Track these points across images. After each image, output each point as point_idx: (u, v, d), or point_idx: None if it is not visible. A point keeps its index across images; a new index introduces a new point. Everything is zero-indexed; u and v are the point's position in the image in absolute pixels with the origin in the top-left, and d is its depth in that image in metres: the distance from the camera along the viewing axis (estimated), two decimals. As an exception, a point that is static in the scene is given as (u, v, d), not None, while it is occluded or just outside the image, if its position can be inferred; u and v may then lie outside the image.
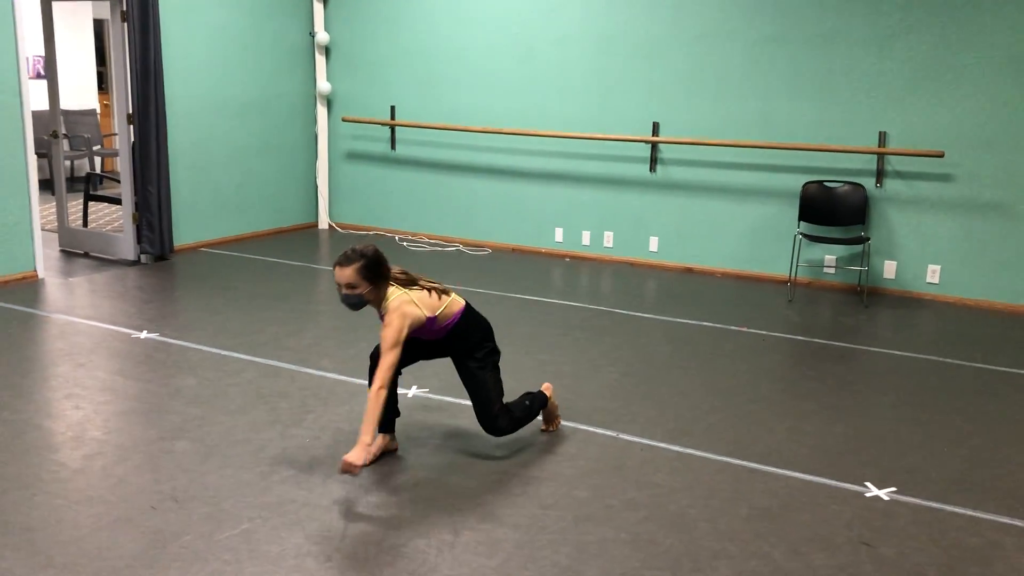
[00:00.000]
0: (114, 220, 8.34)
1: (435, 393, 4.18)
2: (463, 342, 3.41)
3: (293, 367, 4.48)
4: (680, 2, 6.76)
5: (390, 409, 3.42)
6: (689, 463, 3.51)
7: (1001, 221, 6.07)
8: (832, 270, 6.66)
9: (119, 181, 6.95)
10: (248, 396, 4.06)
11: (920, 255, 6.35)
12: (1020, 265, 6.06)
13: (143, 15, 6.49)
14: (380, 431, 3.44)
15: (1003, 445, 3.79)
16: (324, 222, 8.58)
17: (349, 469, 2.95)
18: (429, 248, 7.74)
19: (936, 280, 6.32)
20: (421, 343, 3.40)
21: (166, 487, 3.16)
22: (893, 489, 3.32)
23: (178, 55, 6.94)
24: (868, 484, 3.36)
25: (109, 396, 4.01)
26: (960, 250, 6.22)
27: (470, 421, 3.82)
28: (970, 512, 3.16)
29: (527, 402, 3.57)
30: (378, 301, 3.23)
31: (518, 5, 7.36)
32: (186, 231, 7.25)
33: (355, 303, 3.21)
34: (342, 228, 8.52)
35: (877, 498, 3.25)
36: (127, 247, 6.87)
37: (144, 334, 4.94)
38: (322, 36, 8.13)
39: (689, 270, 7.10)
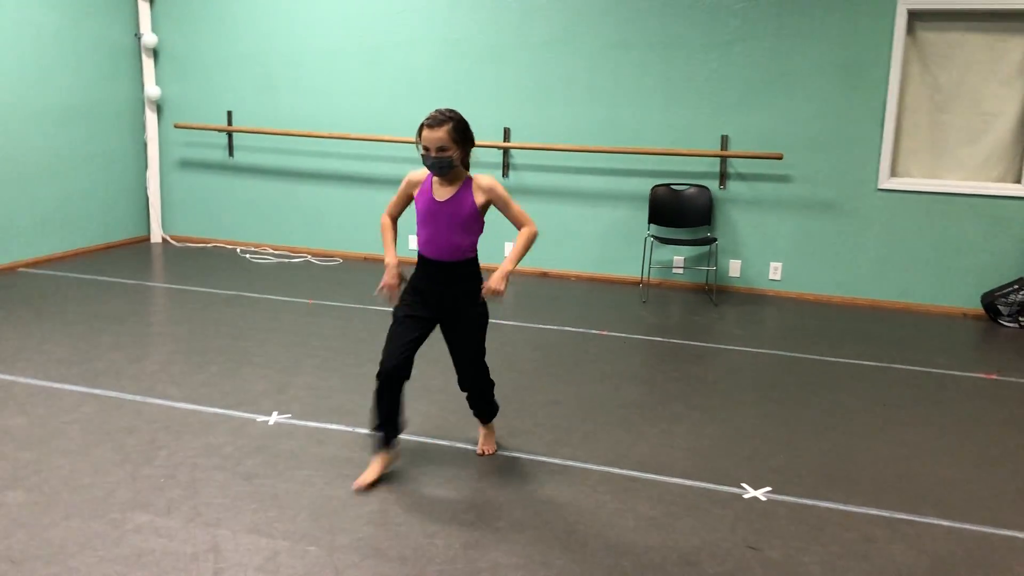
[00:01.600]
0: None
1: (298, 419, 3.94)
2: (469, 282, 3.30)
3: (137, 398, 4.11)
4: (526, 8, 6.75)
5: (397, 422, 3.32)
6: (571, 476, 3.46)
7: (835, 219, 6.41)
8: (681, 270, 6.84)
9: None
10: (89, 434, 3.68)
11: (762, 253, 6.62)
12: (853, 260, 6.42)
13: (-59, 12, 5.84)
14: (383, 447, 3.34)
15: (859, 437, 3.96)
16: (157, 235, 8.04)
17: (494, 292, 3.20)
18: (275, 260, 7.39)
19: (778, 277, 6.61)
20: (422, 313, 3.29)
21: (0, 547, 2.79)
22: (768, 489, 3.39)
23: (-16, 57, 6.30)
24: (744, 485, 3.41)
25: (-78, 444, 3.54)
26: (799, 247, 6.52)
27: (339, 447, 3.63)
28: (842, 507, 3.26)
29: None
30: (460, 169, 3.19)
31: (360, 6, 7.14)
32: (1, 251, 6.59)
33: (445, 166, 3.13)
34: (177, 241, 8.01)
35: (755, 499, 3.30)
36: (-69, 270, 6.17)
37: (-41, 369, 4.42)
38: (149, 38, 7.60)
39: (545, 274, 7.11)
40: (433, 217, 3.21)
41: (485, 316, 3.38)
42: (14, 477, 3.27)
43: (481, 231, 3.28)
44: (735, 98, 6.44)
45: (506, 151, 7.02)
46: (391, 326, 3.28)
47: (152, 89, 7.71)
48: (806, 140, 6.35)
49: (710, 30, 6.40)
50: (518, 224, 3.28)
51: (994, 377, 4.87)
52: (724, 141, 6.50)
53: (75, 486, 3.22)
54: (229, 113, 7.65)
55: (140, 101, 7.79)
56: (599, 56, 6.67)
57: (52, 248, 7.08)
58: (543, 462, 3.57)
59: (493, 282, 3.18)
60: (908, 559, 2.90)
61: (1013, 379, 4.84)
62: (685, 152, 6.53)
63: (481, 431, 3.66)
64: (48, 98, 6.89)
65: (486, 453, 3.61)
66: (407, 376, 3.23)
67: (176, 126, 7.74)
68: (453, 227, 3.20)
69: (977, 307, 6.20)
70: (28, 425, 3.75)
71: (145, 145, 7.88)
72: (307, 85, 7.39)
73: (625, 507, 3.21)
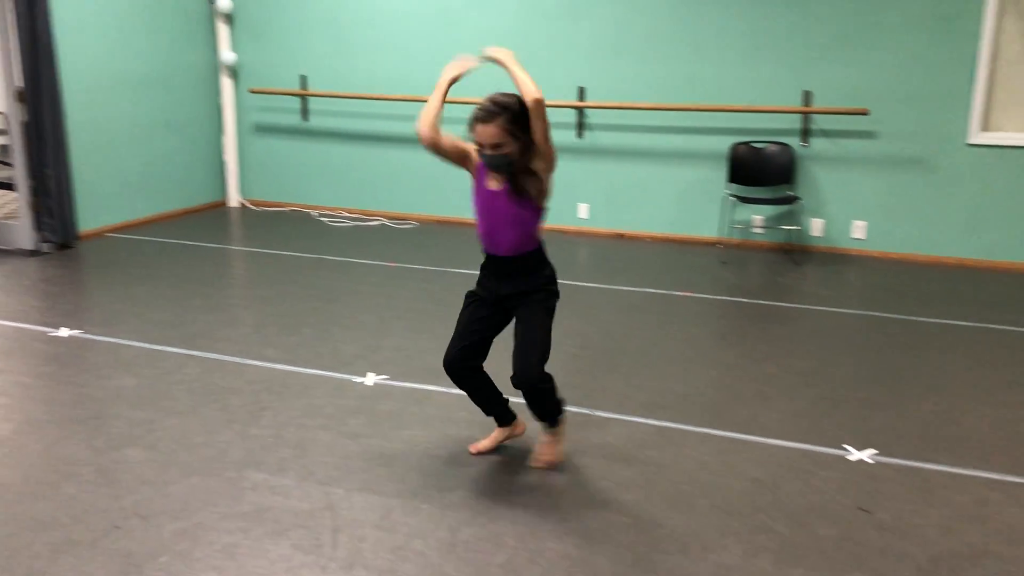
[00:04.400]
0: (5, 206, 7.71)
1: (394, 380, 3.99)
2: (533, 274, 3.00)
3: (236, 359, 4.21)
4: (602, -37, 6.64)
5: (498, 399, 3.20)
6: (671, 437, 3.46)
7: (923, 175, 6.24)
8: (761, 230, 6.73)
9: (10, 164, 6.40)
10: (196, 394, 3.79)
11: (846, 212, 6.48)
12: (941, 218, 6.25)
13: (29, -17, 5.94)
14: (501, 424, 3.27)
15: (962, 398, 3.88)
16: (234, 200, 8.16)
17: None
18: (351, 223, 7.46)
19: (862, 235, 6.47)
20: (488, 311, 3.04)
21: (127, 503, 2.89)
22: (874, 451, 3.35)
23: (70, 26, 6.39)
24: (848, 447, 3.38)
25: (41, 405, 3.67)
26: (885, 205, 6.37)
27: (438, 407, 3.68)
28: (951, 469, 3.21)
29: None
30: (524, 160, 2.85)
31: (434, -33, 7.09)
32: (90, 216, 6.75)
33: (503, 164, 2.83)
34: (254, 205, 8.12)
35: (861, 461, 3.27)
36: (24, 235, 6.34)
37: (64, 331, 4.56)
38: (223, 3, 7.65)
39: (620, 236, 7.07)
40: (487, 210, 2.94)
41: (553, 297, 3.06)
42: (130, 436, 3.38)
43: (538, 221, 2.98)
44: (818, 52, 6.27)
45: (581, 111, 6.95)
46: (461, 312, 3.10)
47: (227, 55, 7.78)
48: (893, 94, 6.16)
49: (793, -18, 6.23)
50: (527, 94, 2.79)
51: (1097, 337, 4.73)
52: (806, 97, 6.35)
53: (188, 445, 3.31)
54: (303, 77, 7.69)
55: (215, 67, 7.88)
56: (676, 12, 6.53)
57: (136, 213, 7.23)
58: (641, 423, 3.57)
59: (497, 51, 2.91)
60: (1025, 523, 2.86)
61: (1117, 339, 4.70)
62: (766, 109, 6.40)
63: (541, 437, 3.18)
64: (129, 65, 6.99)
65: (544, 462, 3.15)
66: (473, 368, 3.08)
67: (251, 91, 7.81)
68: (507, 222, 2.93)
69: (1072, 265, 6.01)
70: (137, 386, 3.87)
71: (220, 110, 7.97)
72: (381, 48, 7.38)
73: (729, 469, 3.20)
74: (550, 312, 3.04)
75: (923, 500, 2.99)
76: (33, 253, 6.28)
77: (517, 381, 2.95)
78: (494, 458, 3.26)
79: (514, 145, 2.81)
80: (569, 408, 3.68)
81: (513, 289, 3.00)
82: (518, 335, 3.00)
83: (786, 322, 4.98)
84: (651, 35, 6.63)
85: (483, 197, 2.97)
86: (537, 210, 2.95)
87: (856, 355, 4.43)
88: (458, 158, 3.00)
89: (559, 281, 3.11)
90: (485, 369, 3.14)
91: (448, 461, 3.23)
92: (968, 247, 6.24)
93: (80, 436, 3.37)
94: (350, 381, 3.97)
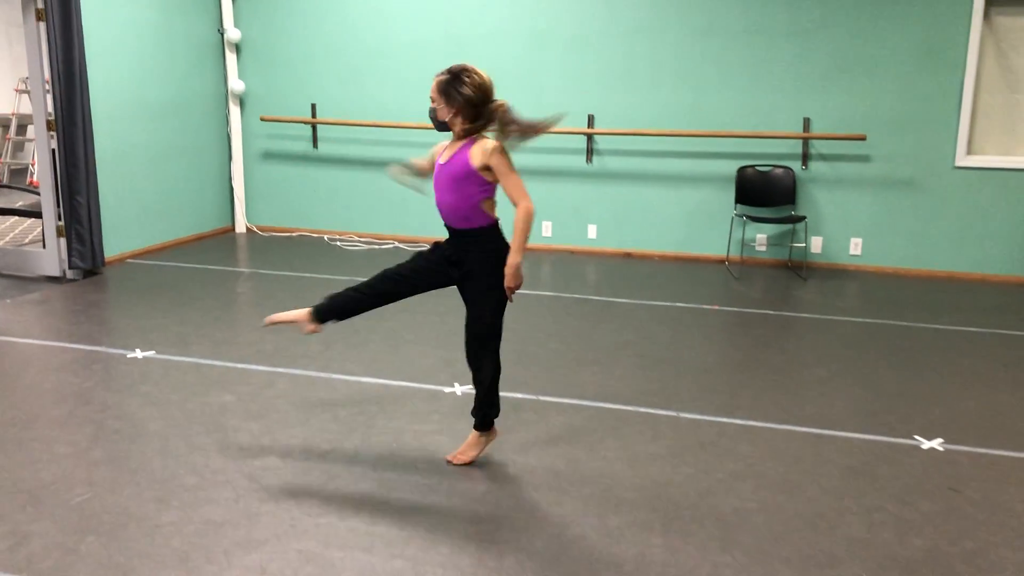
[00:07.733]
0: (23, 235, 7.68)
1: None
2: (479, 251, 3.20)
3: (322, 375, 4.39)
4: (612, -2, 7.04)
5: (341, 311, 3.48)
6: (759, 434, 3.77)
7: (913, 196, 6.75)
8: (763, 248, 7.16)
9: (36, 192, 6.44)
10: (300, 408, 3.96)
11: (843, 230, 6.95)
12: (931, 234, 6.77)
13: (64, 13, 6.03)
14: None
15: (996, 392, 4.30)
16: (242, 225, 8.27)
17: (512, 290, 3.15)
18: (365, 247, 7.65)
19: (858, 252, 6.95)
20: (431, 267, 3.34)
21: (289, 504, 3.06)
22: (940, 440, 3.72)
23: (97, 54, 6.49)
24: (917, 437, 3.74)
25: (156, 421, 3.79)
26: (878, 223, 6.86)
27: (534, 413, 3.92)
28: (1015, 454, 3.60)
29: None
30: (458, 128, 3.16)
31: None
32: (112, 242, 6.81)
33: (432, 118, 3.20)
34: (261, 231, 8.25)
35: (933, 449, 3.63)
36: (51, 263, 6.38)
37: (139, 353, 4.66)
38: (232, 33, 7.81)
39: (628, 255, 7.42)
40: (436, 180, 3.21)
41: (498, 289, 3.19)
42: (259, 446, 3.54)
43: (484, 195, 3.14)
44: (816, 82, 6.75)
45: (590, 137, 7.30)
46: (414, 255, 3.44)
47: (236, 83, 7.92)
48: (885, 121, 6.68)
49: (792, 17, 6.70)
50: (511, 200, 3.11)
51: (1093, 339, 5.23)
52: (806, 123, 6.82)
53: (319, 453, 3.49)
54: (313, 105, 7.88)
55: (224, 95, 8.00)
56: (683, 43, 6.96)
57: (151, 240, 7.30)
58: (726, 422, 3.88)
59: (507, 282, 3.12)
60: (1093, 495, 3.24)
61: (1110, 340, 5.21)
62: (768, 134, 6.85)
63: (471, 436, 3.42)
64: (146, 94, 7.09)
65: (457, 461, 3.38)
66: (379, 292, 3.46)
67: (262, 119, 7.96)
68: (447, 188, 3.14)
69: (1051, 276, 6.58)
70: (239, 401, 4.02)
71: (229, 138, 8.09)
72: (391, 77, 7.63)
73: (822, 459, 3.53)
74: (498, 300, 3.22)
75: (1001, 480, 3.36)
76: (58, 279, 6.31)
77: (470, 359, 3.36)
78: (580, 460, 3.53)
79: (442, 105, 3.13)
80: (654, 411, 3.97)
81: (463, 260, 3.22)
82: (468, 315, 3.29)
83: (817, 330, 5.36)
84: (657, 65, 7.03)
85: (435, 170, 3.25)
86: (470, 181, 3.12)
87: (889, 358, 4.82)
88: (430, 166, 3.37)
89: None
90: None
91: (567, 456, 3.48)
92: (955, 261, 6.77)
93: (210, 448, 3.52)
94: (440, 391, 4.19)
